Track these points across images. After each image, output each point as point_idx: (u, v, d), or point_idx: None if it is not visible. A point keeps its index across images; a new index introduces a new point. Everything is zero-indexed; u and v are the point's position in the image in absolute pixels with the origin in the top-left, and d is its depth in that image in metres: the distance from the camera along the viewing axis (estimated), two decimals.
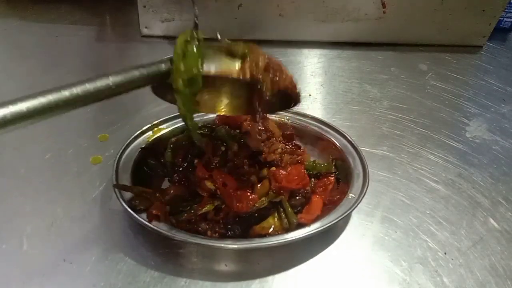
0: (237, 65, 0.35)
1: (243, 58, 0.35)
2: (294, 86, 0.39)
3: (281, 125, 0.51)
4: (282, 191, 0.41)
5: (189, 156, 0.44)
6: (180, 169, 0.44)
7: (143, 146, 0.47)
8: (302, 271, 0.41)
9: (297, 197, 0.42)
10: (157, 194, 0.41)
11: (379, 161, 0.53)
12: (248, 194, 0.39)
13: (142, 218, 0.39)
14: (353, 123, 0.59)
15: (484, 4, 0.73)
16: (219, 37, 0.38)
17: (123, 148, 0.46)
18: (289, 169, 0.42)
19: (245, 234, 0.40)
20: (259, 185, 0.41)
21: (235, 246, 0.39)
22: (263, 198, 0.40)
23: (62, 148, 0.51)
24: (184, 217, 0.40)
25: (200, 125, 0.50)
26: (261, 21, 0.72)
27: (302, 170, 0.43)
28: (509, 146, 0.58)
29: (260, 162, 0.44)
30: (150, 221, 0.39)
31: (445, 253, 0.43)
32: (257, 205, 0.40)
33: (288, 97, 0.39)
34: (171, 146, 0.46)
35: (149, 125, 0.49)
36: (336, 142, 0.49)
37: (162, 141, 0.48)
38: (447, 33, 0.76)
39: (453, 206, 0.48)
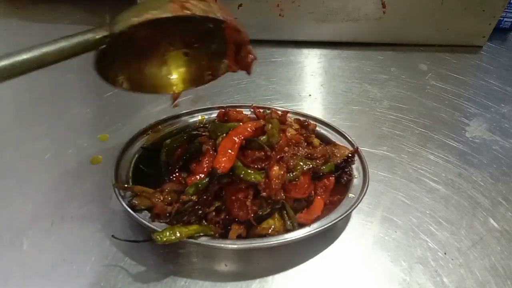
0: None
1: None
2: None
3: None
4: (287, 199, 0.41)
5: (184, 157, 0.44)
6: (176, 169, 0.44)
7: (143, 146, 0.47)
8: (302, 271, 0.41)
9: (300, 201, 0.42)
10: (157, 194, 0.41)
11: (379, 161, 0.53)
12: (249, 203, 0.39)
13: (142, 218, 0.39)
14: (353, 123, 0.59)
15: (484, 4, 0.73)
16: None
17: (123, 148, 0.46)
18: (300, 180, 0.41)
19: (245, 234, 0.40)
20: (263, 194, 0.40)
21: (235, 246, 0.39)
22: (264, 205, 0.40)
23: (62, 148, 0.51)
24: (185, 218, 0.40)
25: (200, 125, 0.50)
26: (261, 21, 0.72)
27: (310, 178, 0.42)
28: (509, 146, 0.58)
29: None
30: (153, 221, 0.39)
31: (445, 253, 0.43)
32: (260, 213, 0.40)
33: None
34: (166, 148, 0.46)
35: (149, 125, 0.49)
36: (336, 142, 0.49)
37: (162, 141, 0.48)
38: (447, 33, 0.76)
39: (453, 206, 0.48)
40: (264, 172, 0.40)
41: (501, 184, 0.52)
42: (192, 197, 0.39)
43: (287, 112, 0.49)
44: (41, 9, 0.79)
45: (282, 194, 0.40)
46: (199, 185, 0.39)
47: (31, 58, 0.31)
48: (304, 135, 0.46)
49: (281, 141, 0.42)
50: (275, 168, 0.40)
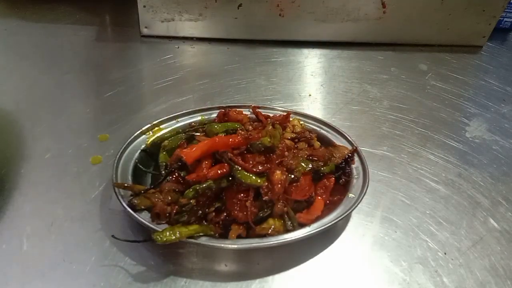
0: None
1: None
2: None
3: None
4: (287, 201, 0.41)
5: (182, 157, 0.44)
6: (173, 169, 0.44)
7: (143, 148, 0.47)
8: (302, 271, 0.41)
9: (301, 201, 0.42)
10: (157, 194, 0.41)
11: (379, 161, 0.53)
12: (249, 205, 0.39)
13: (142, 218, 0.39)
14: (353, 123, 0.59)
15: (484, 4, 0.73)
16: None
17: (123, 148, 0.46)
18: (300, 181, 0.41)
19: (245, 234, 0.40)
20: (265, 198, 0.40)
21: (235, 246, 0.39)
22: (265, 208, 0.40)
23: (62, 148, 0.51)
24: (184, 218, 0.40)
25: (199, 125, 0.50)
26: (261, 21, 0.72)
27: (310, 180, 0.42)
28: (509, 146, 0.58)
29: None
30: (153, 221, 0.39)
31: (445, 253, 0.43)
32: (260, 214, 0.40)
33: None
34: (164, 149, 0.46)
35: (149, 125, 0.48)
36: (336, 142, 0.49)
37: (162, 141, 0.47)
38: (447, 33, 0.76)
39: (453, 206, 0.48)
40: (265, 176, 0.40)
41: (501, 184, 0.52)
42: (191, 201, 0.39)
43: (289, 113, 0.49)
44: (41, 9, 0.79)
45: (283, 203, 0.40)
46: (198, 189, 0.39)
47: None
48: (303, 139, 0.46)
49: (281, 145, 0.43)
50: (277, 172, 0.40)
